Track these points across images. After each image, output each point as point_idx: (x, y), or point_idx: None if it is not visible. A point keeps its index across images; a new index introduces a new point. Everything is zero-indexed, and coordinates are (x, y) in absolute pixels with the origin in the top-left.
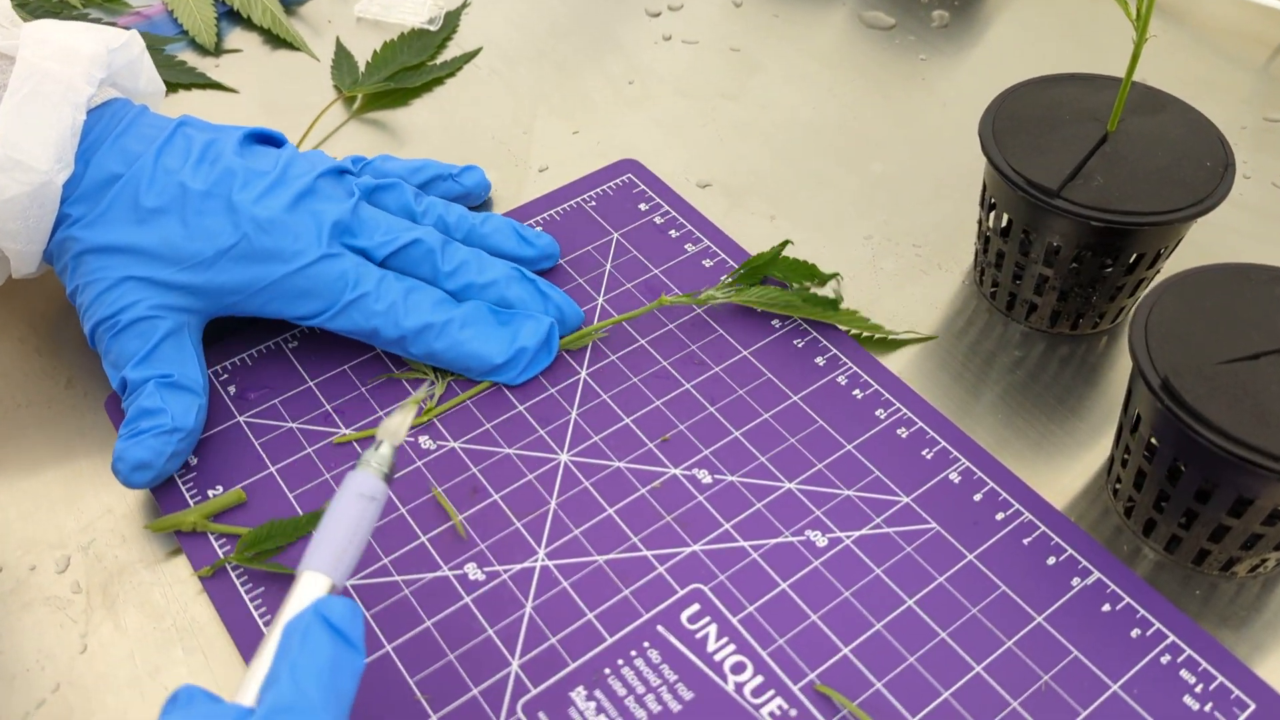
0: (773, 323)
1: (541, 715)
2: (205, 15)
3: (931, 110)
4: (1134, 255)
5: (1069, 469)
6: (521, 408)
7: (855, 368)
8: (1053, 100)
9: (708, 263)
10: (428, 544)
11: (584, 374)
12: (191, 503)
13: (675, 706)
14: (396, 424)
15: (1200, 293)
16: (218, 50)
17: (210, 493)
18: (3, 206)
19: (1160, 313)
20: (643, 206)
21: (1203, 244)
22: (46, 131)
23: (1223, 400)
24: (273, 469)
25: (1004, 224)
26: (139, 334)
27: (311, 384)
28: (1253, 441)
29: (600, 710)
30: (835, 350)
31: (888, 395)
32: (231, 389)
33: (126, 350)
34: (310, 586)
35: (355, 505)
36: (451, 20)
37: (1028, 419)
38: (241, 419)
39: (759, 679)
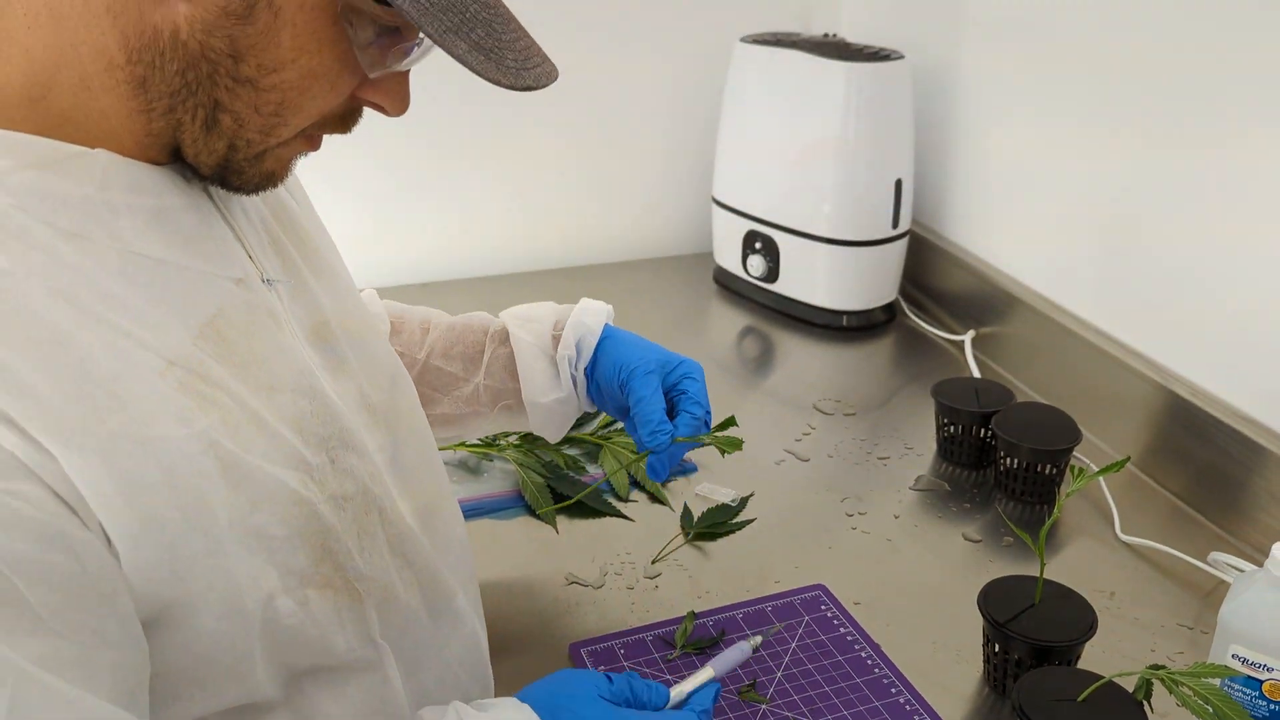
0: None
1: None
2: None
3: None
4: (1056, 661)
5: None
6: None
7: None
8: (1018, 584)
9: (842, 630)
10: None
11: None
12: None
13: None
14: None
15: (1047, 679)
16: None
17: None
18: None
19: (1027, 688)
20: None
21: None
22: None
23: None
24: None
25: (993, 644)
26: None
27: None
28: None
29: None
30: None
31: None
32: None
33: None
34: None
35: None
36: (743, 502)
37: None
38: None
39: None
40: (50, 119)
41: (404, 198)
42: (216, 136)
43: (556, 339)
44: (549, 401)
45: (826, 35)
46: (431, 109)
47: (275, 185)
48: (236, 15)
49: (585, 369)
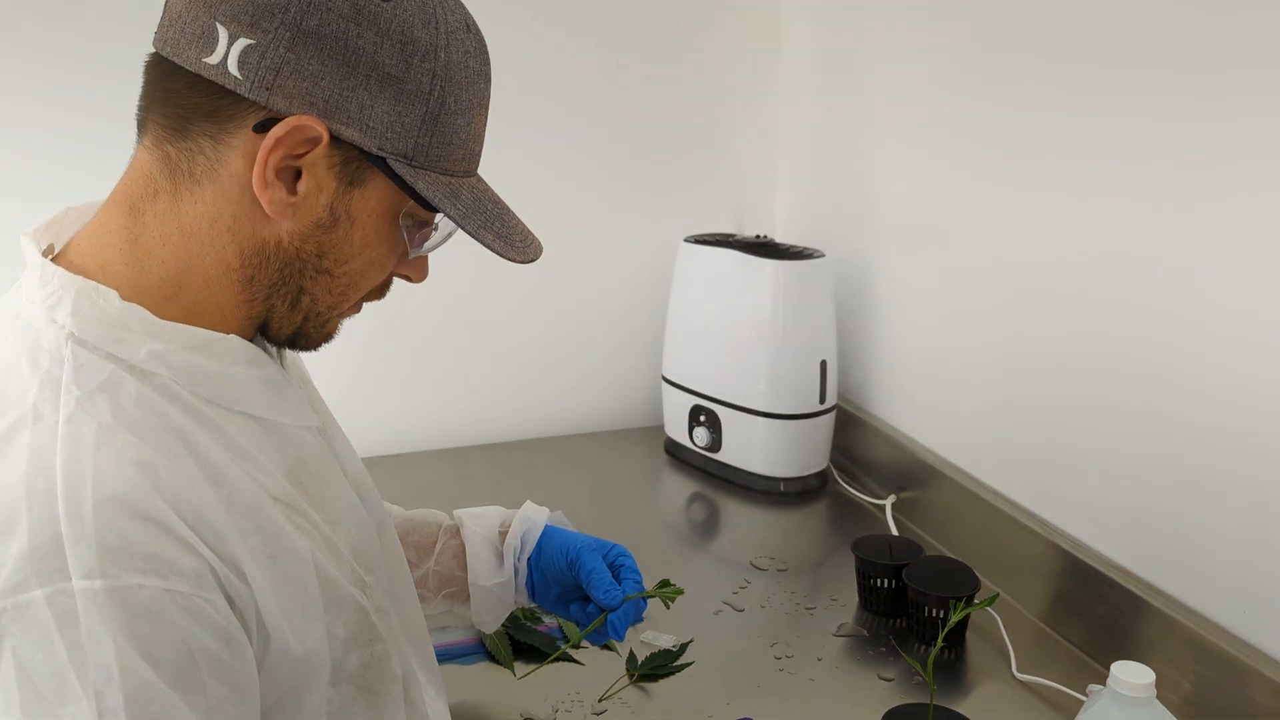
0: None
1: None
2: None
3: None
4: None
5: None
6: None
7: None
8: (915, 710)
9: None
10: None
11: None
12: None
13: None
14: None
15: None
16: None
17: None
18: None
19: None
20: None
21: None
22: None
23: None
24: None
25: None
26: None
27: None
28: None
29: None
30: None
31: None
32: None
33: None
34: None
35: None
36: (683, 647)
37: None
38: None
39: None
40: (181, 310)
41: (374, 373)
42: (297, 313)
43: (503, 535)
44: (491, 585)
45: (759, 236)
46: (404, 289)
47: (329, 342)
48: (324, 226)
49: (529, 559)
